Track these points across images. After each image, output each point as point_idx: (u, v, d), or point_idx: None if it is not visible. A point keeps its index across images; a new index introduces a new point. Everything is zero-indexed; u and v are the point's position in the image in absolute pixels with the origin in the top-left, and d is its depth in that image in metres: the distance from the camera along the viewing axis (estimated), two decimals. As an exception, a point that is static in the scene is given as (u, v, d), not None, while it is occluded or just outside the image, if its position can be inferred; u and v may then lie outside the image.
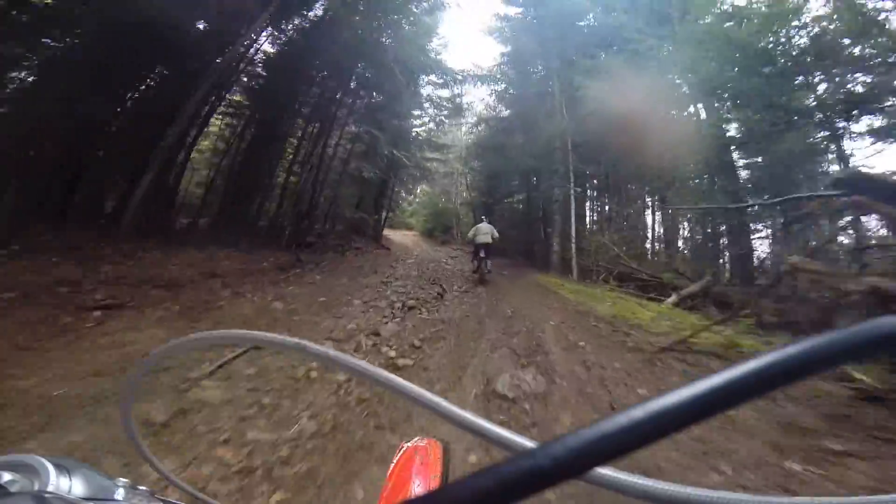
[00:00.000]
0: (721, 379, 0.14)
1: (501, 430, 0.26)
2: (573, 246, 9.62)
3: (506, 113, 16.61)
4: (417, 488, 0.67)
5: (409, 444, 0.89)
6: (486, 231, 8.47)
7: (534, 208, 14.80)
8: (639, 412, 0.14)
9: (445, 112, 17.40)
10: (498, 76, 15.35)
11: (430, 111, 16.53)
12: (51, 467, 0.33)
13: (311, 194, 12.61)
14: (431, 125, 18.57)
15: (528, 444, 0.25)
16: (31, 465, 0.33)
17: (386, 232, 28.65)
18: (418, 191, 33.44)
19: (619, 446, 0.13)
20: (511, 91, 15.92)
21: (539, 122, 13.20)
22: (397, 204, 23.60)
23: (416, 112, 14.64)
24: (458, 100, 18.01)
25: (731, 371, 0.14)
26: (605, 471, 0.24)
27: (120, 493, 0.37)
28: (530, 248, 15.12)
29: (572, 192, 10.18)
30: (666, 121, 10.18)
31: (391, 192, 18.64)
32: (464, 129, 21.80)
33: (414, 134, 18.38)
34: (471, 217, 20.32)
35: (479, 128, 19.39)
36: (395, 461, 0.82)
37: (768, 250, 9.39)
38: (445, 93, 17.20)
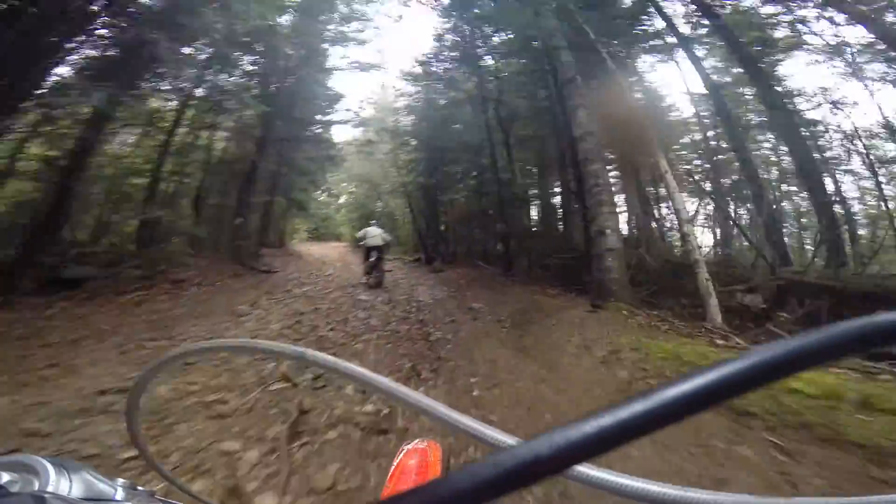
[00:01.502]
0: (718, 373, 0.13)
1: (486, 428, 0.26)
2: (697, 243, 3.71)
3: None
4: None
5: (409, 446, 0.89)
6: (375, 234, 7.60)
7: (503, 187, 9.14)
8: (628, 408, 0.13)
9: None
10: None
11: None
12: (50, 468, 0.33)
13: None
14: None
15: (511, 440, 0.25)
16: (31, 465, 0.33)
17: (304, 246, 21.78)
18: (348, 188, 26.97)
19: (601, 443, 0.13)
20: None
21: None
22: (304, 205, 17.00)
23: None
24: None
25: (730, 364, 0.14)
26: (587, 468, 0.23)
27: (119, 494, 0.37)
28: (502, 245, 9.46)
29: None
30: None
31: (278, 184, 12.14)
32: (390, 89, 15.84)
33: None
34: (408, 213, 14.40)
35: (415, 84, 13.49)
36: (395, 463, 0.83)
37: None
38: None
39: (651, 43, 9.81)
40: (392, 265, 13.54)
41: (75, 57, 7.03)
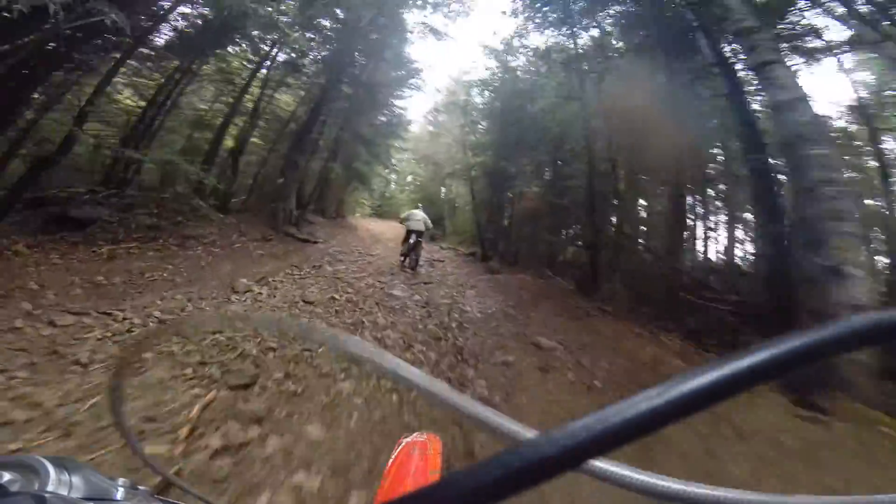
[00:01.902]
0: (736, 365, 0.13)
1: (503, 419, 0.25)
2: None
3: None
4: (416, 483, 0.69)
5: (408, 438, 0.87)
6: (419, 218, 7.61)
7: (598, 179, 7.12)
8: (641, 400, 0.13)
9: None
10: None
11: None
12: (51, 467, 0.33)
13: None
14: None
15: (527, 433, 0.24)
16: (31, 465, 0.33)
17: (365, 221, 21.06)
18: (414, 169, 26.06)
19: (620, 435, 0.13)
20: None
21: None
22: (365, 178, 16.05)
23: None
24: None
25: (746, 357, 0.14)
26: (603, 464, 0.23)
27: (119, 493, 0.37)
28: (587, 255, 7.54)
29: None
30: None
31: (339, 151, 11.18)
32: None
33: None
34: (470, 201, 12.78)
35: (492, 56, 11.75)
36: (394, 456, 0.81)
37: None
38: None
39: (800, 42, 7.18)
40: (443, 255, 12.11)
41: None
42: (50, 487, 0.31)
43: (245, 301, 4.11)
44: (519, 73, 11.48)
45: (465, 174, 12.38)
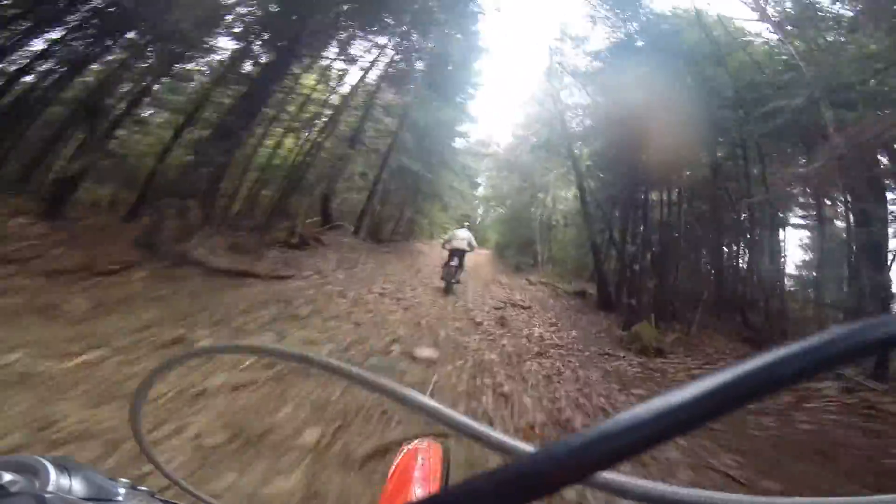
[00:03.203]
0: (736, 373, 0.12)
1: (501, 435, 0.25)
2: None
3: None
4: (418, 490, 0.68)
5: (409, 445, 0.87)
6: (462, 237, 7.65)
7: None
8: (645, 411, 0.12)
9: None
10: None
11: None
12: (51, 468, 0.32)
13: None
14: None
15: (527, 448, 0.24)
16: (32, 465, 0.32)
17: (439, 246, 17.02)
18: (497, 178, 21.29)
19: (625, 448, 0.12)
20: None
21: None
22: (428, 185, 12.09)
23: None
24: None
25: (747, 365, 0.12)
26: (610, 475, 0.22)
27: (121, 494, 0.36)
28: None
29: None
30: None
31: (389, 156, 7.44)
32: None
33: None
34: (578, 202, 7.69)
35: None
36: (395, 463, 0.81)
37: None
38: None
39: None
40: (532, 295, 7.43)
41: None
42: (51, 488, 0.31)
43: None
44: None
45: (566, 157, 7.35)
